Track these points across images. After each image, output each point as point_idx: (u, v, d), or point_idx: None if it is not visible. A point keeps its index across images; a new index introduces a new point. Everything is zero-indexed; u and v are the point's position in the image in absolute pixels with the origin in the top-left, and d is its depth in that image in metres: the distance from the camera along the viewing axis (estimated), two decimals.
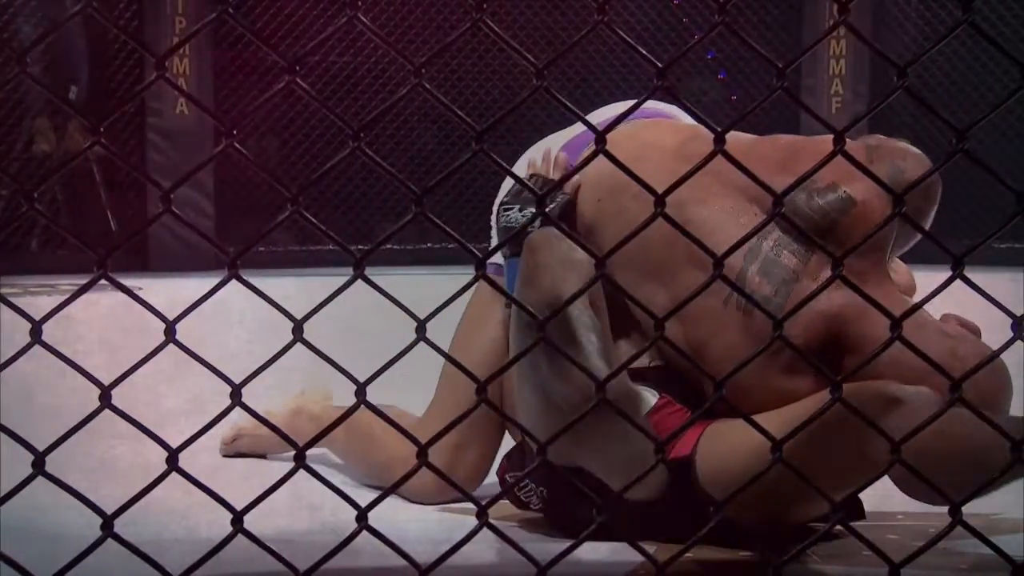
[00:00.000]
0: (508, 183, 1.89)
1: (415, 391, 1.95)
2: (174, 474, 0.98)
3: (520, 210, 1.81)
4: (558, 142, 1.91)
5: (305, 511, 1.67)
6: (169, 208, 0.97)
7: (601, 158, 1.73)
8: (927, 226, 1.66)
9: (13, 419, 0.98)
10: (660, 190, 1.03)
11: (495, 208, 1.88)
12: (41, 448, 0.95)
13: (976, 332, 1.65)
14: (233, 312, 2.84)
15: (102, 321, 3.35)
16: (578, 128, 1.86)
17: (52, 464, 0.96)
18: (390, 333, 1.10)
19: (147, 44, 5.75)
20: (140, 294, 1.02)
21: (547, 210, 1.76)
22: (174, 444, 0.99)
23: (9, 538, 1.22)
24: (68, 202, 5.95)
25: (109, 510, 0.97)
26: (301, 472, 1.00)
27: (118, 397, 0.96)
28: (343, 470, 2.05)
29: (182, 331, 0.97)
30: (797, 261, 1.61)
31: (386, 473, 1.93)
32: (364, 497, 1.00)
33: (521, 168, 1.92)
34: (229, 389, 0.98)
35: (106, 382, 0.97)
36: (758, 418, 1.53)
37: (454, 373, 1.74)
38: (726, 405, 1.12)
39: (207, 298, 0.98)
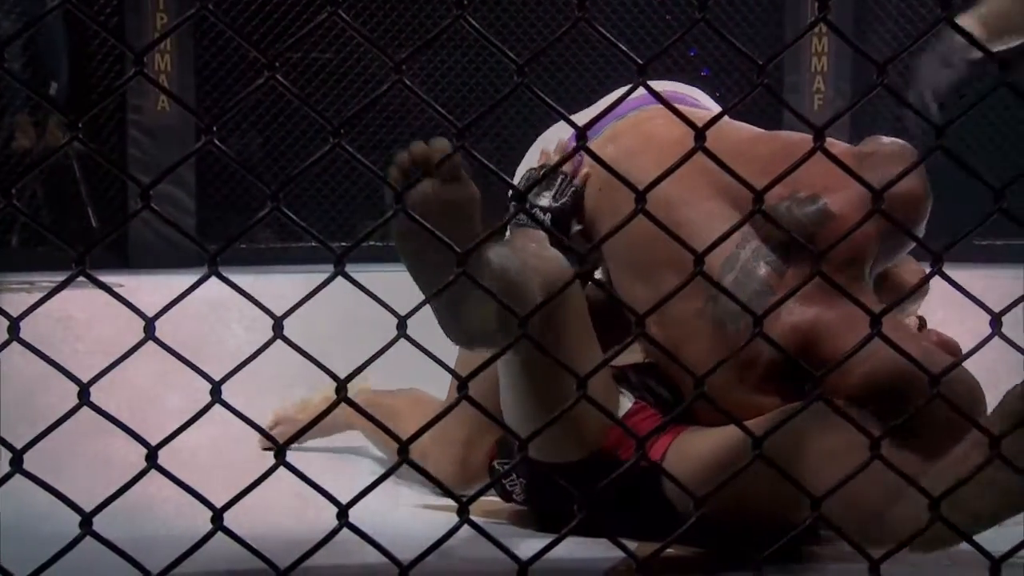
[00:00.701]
0: (518, 175, 1.90)
1: (427, 386, 1.97)
2: (177, 473, 0.98)
3: (530, 207, 1.80)
4: (570, 129, 1.90)
5: (309, 509, 1.67)
6: (148, 204, 0.97)
7: (605, 147, 1.73)
8: (913, 243, 1.64)
9: (14, 418, 0.98)
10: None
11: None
12: (45, 448, 0.95)
13: (954, 349, 1.65)
14: (232, 311, 2.84)
15: (101, 321, 3.32)
16: (591, 113, 1.85)
17: (55, 463, 0.96)
18: (390, 330, 1.10)
19: (127, 40, 5.72)
20: (128, 291, 1.02)
21: (560, 204, 1.77)
22: (176, 442, 0.99)
23: (9, 536, 1.22)
24: (48, 199, 5.91)
25: (111, 508, 0.97)
26: (305, 468, 1.00)
27: (120, 396, 0.96)
28: (384, 463, 2.09)
29: (182, 329, 0.97)
30: (772, 272, 1.59)
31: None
32: (374, 493, 1.00)
33: (533, 156, 1.91)
34: (227, 388, 0.98)
35: (107, 381, 0.96)
36: (721, 430, 1.54)
37: (465, 365, 1.75)
38: (699, 409, 1.11)
39: (186, 295, 0.98)
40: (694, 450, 1.55)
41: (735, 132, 1.73)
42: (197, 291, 0.99)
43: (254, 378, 1.06)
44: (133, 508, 1.01)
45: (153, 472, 0.98)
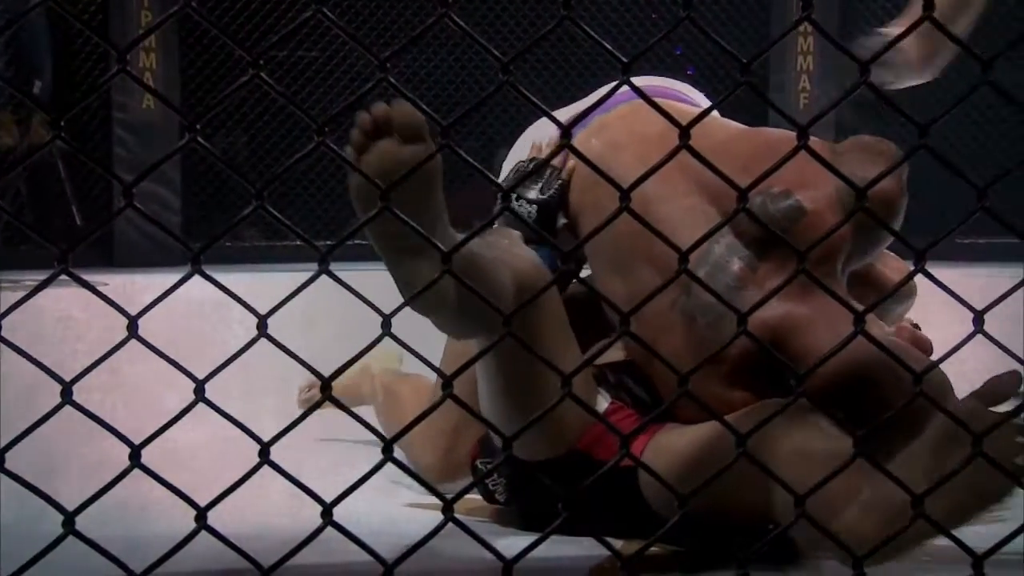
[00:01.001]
0: (505, 169, 1.91)
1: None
2: (175, 473, 0.98)
3: (517, 199, 1.81)
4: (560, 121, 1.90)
5: (304, 507, 1.67)
6: (131, 203, 0.96)
7: (588, 142, 1.74)
8: (890, 242, 1.65)
9: (14, 417, 0.97)
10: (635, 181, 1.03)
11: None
12: (43, 448, 0.95)
13: (927, 346, 1.65)
14: (232, 311, 2.83)
15: (101, 320, 3.30)
16: (581, 106, 1.86)
17: (52, 463, 0.95)
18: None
19: (112, 38, 5.70)
20: (124, 291, 1.02)
21: (547, 196, 1.78)
22: (173, 442, 0.98)
23: (8, 534, 1.21)
24: (32, 197, 5.89)
25: (106, 508, 0.97)
26: (299, 466, 1.00)
27: (119, 396, 0.96)
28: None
29: (185, 329, 0.97)
30: (745, 268, 1.59)
31: (403, 448, 1.98)
32: (362, 491, 1.00)
33: (522, 149, 1.92)
34: (226, 387, 0.98)
35: (105, 381, 0.96)
36: (696, 428, 1.54)
37: (452, 360, 1.76)
38: (676, 407, 1.11)
39: (169, 294, 0.98)
40: (672, 447, 1.56)
41: (719, 129, 1.74)
42: (199, 291, 0.99)
43: (253, 377, 1.06)
44: (125, 508, 1.00)
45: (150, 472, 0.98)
